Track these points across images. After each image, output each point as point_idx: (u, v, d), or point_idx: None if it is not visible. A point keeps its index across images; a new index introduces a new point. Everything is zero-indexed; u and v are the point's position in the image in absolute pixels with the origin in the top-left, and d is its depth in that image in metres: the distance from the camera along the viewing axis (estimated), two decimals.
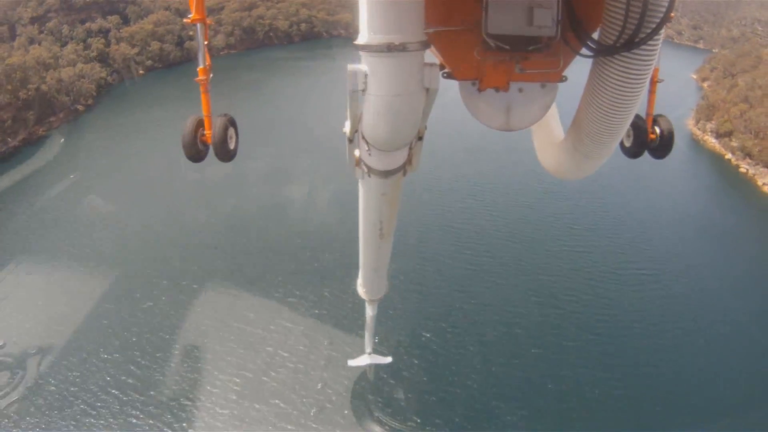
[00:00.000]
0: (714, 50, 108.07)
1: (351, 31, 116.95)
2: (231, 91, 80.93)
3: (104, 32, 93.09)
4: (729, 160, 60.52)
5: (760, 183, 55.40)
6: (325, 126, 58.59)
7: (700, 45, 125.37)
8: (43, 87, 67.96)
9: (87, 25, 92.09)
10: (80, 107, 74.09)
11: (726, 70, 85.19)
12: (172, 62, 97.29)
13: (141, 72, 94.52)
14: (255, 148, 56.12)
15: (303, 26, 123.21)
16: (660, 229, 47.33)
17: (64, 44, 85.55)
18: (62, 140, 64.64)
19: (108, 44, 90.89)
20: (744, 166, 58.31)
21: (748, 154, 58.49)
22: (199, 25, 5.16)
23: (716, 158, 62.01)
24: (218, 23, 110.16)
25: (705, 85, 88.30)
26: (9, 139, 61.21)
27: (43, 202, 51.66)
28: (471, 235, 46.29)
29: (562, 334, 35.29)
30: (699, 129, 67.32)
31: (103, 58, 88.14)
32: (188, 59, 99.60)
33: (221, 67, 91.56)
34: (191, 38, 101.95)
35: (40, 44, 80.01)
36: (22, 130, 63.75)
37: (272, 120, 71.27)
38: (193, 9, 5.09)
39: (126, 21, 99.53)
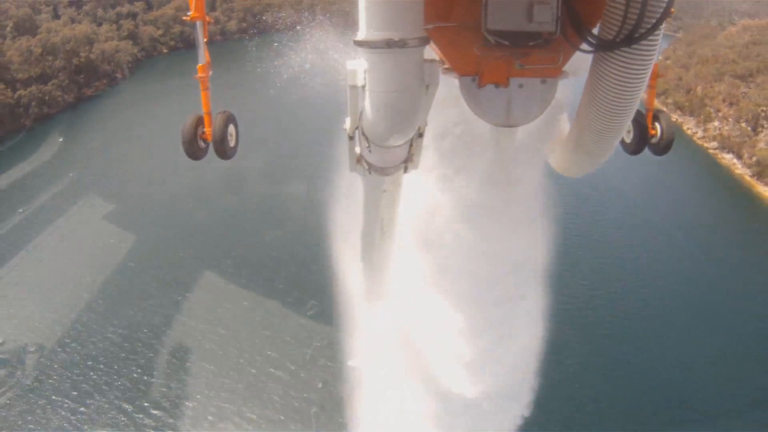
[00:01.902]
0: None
1: (349, 20, 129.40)
2: (243, 63, 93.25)
3: (132, 15, 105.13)
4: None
5: (685, 128, 68.05)
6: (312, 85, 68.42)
7: (680, 35, 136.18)
8: (91, 56, 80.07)
9: (117, 9, 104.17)
10: (119, 75, 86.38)
11: (684, 49, 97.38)
12: (192, 43, 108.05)
13: (165, 51, 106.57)
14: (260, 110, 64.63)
15: (306, 14, 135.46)
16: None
17: (99, 24, 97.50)
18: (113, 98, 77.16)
19: (137, 26, 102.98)
20: (675, 116, 70.88)
21: (679, 108, 70.97)
22: (198, 22, 5.55)
23: None
24: (231, 10, 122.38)
25: (667, 62, 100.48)
26: (66, 96, 73.34)
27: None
28: None
29: (559, 334, 34.41)
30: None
31: (132, 38, 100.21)
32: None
33: (235, 48, 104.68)
34: (208, 22, 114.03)
35: (80, 23, 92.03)
36: (75, 90, 75.92)
37: (273, 81, 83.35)
38: (192, 7, 5.45)
39: (150, 7, 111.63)
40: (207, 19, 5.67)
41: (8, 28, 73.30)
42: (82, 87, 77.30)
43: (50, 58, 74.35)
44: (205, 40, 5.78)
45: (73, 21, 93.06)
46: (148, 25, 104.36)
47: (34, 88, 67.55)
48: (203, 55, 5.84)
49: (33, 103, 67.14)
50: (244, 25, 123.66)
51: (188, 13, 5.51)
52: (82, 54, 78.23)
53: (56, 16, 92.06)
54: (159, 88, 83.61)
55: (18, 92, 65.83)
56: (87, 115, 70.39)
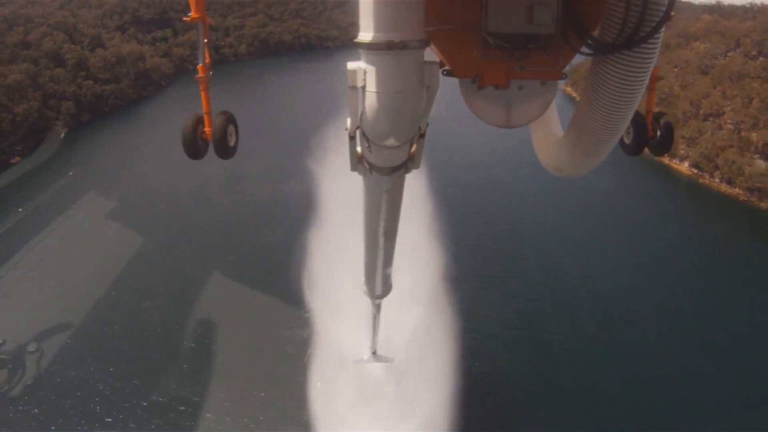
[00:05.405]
0: None
1: (338, 44, 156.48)
2: (253, 75, 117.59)
3: (164, 39, 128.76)
4: None
5: None
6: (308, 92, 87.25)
7: None
8: (147, 66, 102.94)
9: (152, 34, 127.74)
10: (164, 83, 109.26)
11: None
12: (216, 62, 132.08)
13: (191, 68, 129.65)
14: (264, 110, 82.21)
15: (302, 40, 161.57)
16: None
17: (141, 45, 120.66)
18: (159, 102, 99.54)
19: (169, 47, 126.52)
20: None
21: None
22: (199, 23, 5.39)
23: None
24: (242, 36, 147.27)
25: None
26: (131, 94, 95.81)
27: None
28: (469, 233, 48.55)
29: (557, 335, 36.38)
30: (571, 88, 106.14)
31: (167, 56, 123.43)
32: (222, 62, 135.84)
33: (247, 66, 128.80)
34: (223, 46, 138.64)
35: (129, 43, 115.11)
36: (137, 91, 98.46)
37: (274, 90, 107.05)
38: (192, 8, 5.25)
39: (176, 33, 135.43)
40: (207, 20, 5.54)
41: (85, 42, 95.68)
42: (140, 89, 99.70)
43: (117, 67, 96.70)
44: (205, 41, 5.67)
45: (122, 42, 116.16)
46: (178, 47, 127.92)
47: (113, 85, 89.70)
48: (203, 55, 5.81)
49: (111, 96, 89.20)
50: (252, 48, 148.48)
51: (189, 14, 5.41)
52: (139, 65, 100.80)
53: (111, 38, 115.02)
54: (193, 92, 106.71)
55: (101, 87, 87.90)
56: (152, 105, 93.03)
